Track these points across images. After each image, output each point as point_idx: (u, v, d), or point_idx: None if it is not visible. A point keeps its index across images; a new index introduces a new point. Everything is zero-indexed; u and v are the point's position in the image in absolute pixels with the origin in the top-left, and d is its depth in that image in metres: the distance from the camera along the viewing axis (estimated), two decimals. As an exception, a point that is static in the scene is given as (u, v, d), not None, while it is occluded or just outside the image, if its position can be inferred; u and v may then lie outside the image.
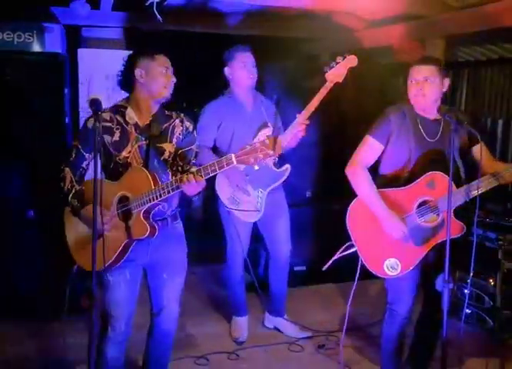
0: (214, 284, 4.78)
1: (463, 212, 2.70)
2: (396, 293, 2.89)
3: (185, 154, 2.64)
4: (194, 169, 2.39)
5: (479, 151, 2.73)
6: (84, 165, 2.58)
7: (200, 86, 7.19)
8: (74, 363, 3.30)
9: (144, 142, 2.56)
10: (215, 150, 3.60)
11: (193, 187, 2.36)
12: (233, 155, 2.27)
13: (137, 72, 2.52)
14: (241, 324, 3.83)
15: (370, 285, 4.41)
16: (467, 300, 2.77)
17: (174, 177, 2.43)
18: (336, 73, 3.27)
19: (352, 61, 3.29)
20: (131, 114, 2.57)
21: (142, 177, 2.42)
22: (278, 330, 3.89)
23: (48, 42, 4.46)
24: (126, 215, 2.48)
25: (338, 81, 3.29)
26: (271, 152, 2.25)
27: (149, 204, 2.41)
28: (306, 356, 3.59)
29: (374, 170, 2.94)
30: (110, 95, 4.75)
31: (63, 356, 3.42)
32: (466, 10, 4.05)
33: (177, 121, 2.66)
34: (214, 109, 3.55)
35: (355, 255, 2.94)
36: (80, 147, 2.55)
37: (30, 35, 4.34)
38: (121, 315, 2.60)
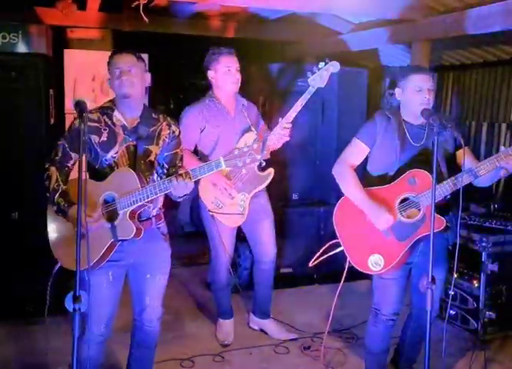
0: (199, 285, 4.77)
1: (444, 211, 2.74)
2: (381, 294, 2.91)
3: (171, 157, 2.66)
4: (182, 171, 2.42)
5: (462, 155, 2.77)
6: (69, 164, 2.57)
7: (187, 87, 7.22)
8: (55, 364, 3.29)
9: (132, 143, 2.57)
10: (197, 153, 3.56)
11: (181, 188, 2.38)
12: (221, 158, 2.31)
13: (108, 75, 2.61)
14: (227, 326, 3.83)
15: (356, 287, 4.44)
16: (449, 301, 2.78)
17: (162, 179, 2.45)
18: (318, 78, 3.31)
19: (334, 66, 3.32)
20: (118, 116, 2.58)
21: (130, 178, 2.43)
22: (264, 332, 3.89)
23: (34, 43, 4.44)
24: (111, 215, 2.47)
25: (320, 86, 3.33)
26: (259, 157, 2.30)
27: (136, 205, 2.42)
28: (291, 357, 3.59)
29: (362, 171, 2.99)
30: (97, 96, 4.77)
31: (44, 357, 3.39)
32: (450, 14, 4.10)
33: (164, 124, 2.67)
34: (197, 112, 3.51)
35: (341, 257, 2.98)
36: (66, 145, 2.55)
37: (15, 36, 4.32)
38: (100, 317, 2.58)
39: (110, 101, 2.65)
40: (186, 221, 6.31)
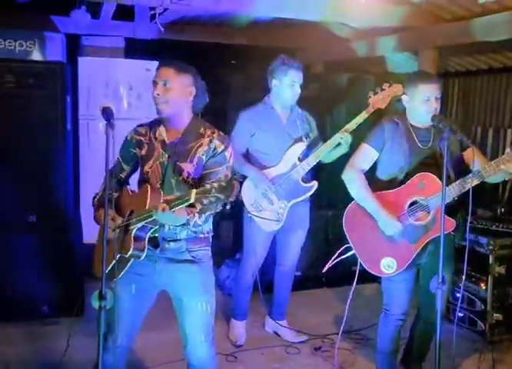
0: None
1: (452, 212, 2.81)
2: (391, 294, 2.99)
3: (208, 176, 2.41)
4: (170, 198, 2.27)
5: (470, 155, 2.85)
6: (122, 175, 2.61)
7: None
8: (71, 364, 3.37)
9: (165, 159, 2.46)
10: (249, 157, 3.64)
11: (164, 217, 2.22)
12: (193, 191, 2.08)
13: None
14: (240, 327, 3.90)
15: (366, 289, 4.52)
16: (459, 304, 2.85)
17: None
18: (379, 99, 3.35)
19: (397, 89, 3.29)
20: (160, 130, 2.53)
21: (144, 195, 2.37)
22: (277, 335, 3.97)
23: (49, 51, 4.57)
24: (126, 230, 2.43)
25: (380, 107, 3.36)
26: (222, 197, 2.09)
27: (140, 224, 2.34)
28: (302, 358, 3.67)
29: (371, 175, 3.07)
30: (110, 102, 4.87)
31: (61, 357, 3.48)
32: (457, 23, 4.19)
33: (207, 140, 2.46)
34: (250, 117, 3.59)
35: (350, 260, 3.05)
36: (120, 158, 2.60)
37: (31, 44, 4.44)
38: (121, 328, 2.50)
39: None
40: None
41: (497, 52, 4.97)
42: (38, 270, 3.91)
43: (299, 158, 3.59)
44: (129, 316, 2.52)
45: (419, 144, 2.91)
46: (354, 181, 2.96)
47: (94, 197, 2.61)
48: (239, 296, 3.91)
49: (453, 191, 2.75)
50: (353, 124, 3.42)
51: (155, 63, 5.32)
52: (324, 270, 3.18)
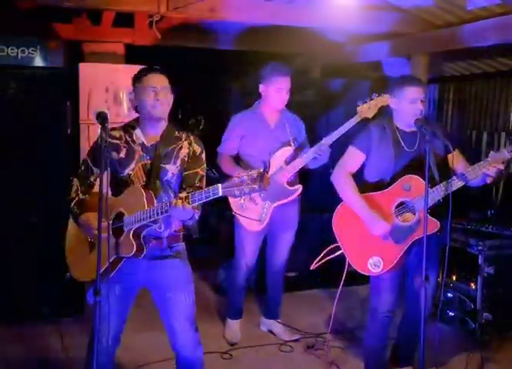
0: (207, 288, 4.94)
1: (439, 214, 2.89)
2: (378, 292, 3.08)
3: (189, 177, 2.60)
4: (183, 195, 2.34)
5: (452, 159, 2.94)
6: (92, 179, 2.63)
7: (195, 99, 7.42)
8: (70, 362, 3.46)
9: (148, 162, 2.56)
10: (239, 158, 3.77)
11: (178, 212, 2.32)
12: (219, 186, 2.23)
13: (132, 96, 2.61)
14: (235, 326, 4.00)
15: (358, 291, 4.60)
16: (441, 301, 2.94)
17: (164, 201, 2.44)
18: (366, 108, 3.43)
19: (385, 100, 3.37)
20: (138, 134, 2.61)
21: (138, 197, 2.43)
22: (272, 333, 4.06)
23: (51, 57, 4.65)
24: (118, 232, 2.50)
25: (367, 117, 3.44)
26: (257, 187, 2.19)
27: (139, 224, 2.43)
28: (296, 356, 3.76)
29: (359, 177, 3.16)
30: (110, 106, 4.97)
31: (60, 356, 3.59)
32: (447, 29, 4.29)
33: (186, 143, 2.63)
34: (240, 121, 3.74)
35: (343, 261, 3.14)
36: (89, 161, 2.63)
37: (33, 50, 4.52)
38: (106, 329, 2.53)
39: (135, 119, 2.67)
40: (194, 228, 6.52)
41: (489, 57, 5.07)
42: (38, 270, 4.01)
43: (285, 161, 3.69)
44: (114, 317, 2.55)
45: (405, 148, 3.00)
46: (342, 183, 3.06)
47: (69, 202, 2.60)
48: (233, 296, 4.01)
49: (437, 192, 2.84)
50: (337, 134, 3.50)
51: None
52: (311, 268, 3.29)
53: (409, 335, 3.25)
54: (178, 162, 2.60)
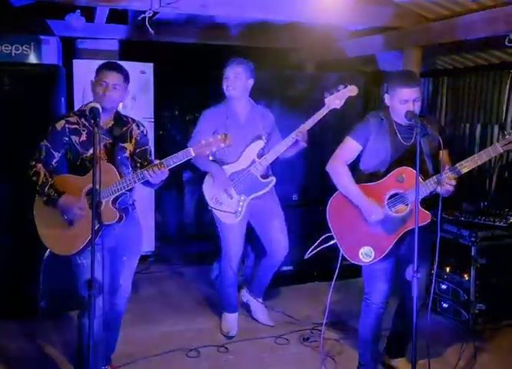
0: (203, 283, 4.99)
1: (431, 206, 2.92)
2: (371, 283, 3.12)
3: (143, 153, 3.05)
4: (157, 162, 2.78)
5: (442, 156, 3.00)
6: (53, 163, 2.89)
7: (191, 95, 7.44)
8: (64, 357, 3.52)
9: (109, 142, 2.92)
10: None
11: (158, 176, 2.76)
12: (191, 148, 2.75)
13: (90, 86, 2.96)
14: (231, 319, 4.03)
15: (354, 284, 4.63)
16: (432, 293, 2.94)
17: (139, 169, 2.82)
18: (334, 99, 3.50)
19: (352, 90, 3.49)
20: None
21: (110, 171, 2.79)
22: (247, 309, 4.19)
23: (45, 54, 4.68)
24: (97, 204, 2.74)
25: (336, 107, 3.53)
26: (222, 145, 2.76)
27: (117, 194, 2.80)
28: (291, 348, 3.80)
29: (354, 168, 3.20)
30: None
31: (56, 351, 3.63)
32: (440, 22, 4.31)
33: (134, 125, 3.06)
34: (210, 116, 3.79)
35: (338, 254, 3.17)
36: (50, 146, 2.87)
37: (27, 47, 4.56)
38: (101, 275, 2.71)
39: (87, 104, 2.89)
40: (191, 224, 6.56)
41: (481, 50, 5.08)
42: (35, 265, 4.03)
43: (258, 155, 3.75)
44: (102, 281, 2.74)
45: (401, 140, 3.03)
46: (338, 172, 3.10)
47: (42, 187, 2.82)
48: (226, 291, 4.03)
49: (430, 185, 2.87)
50: (308, 125, 3.58)
51: (150, 65, 5.48)
52: (306, 257, 3.34)
53: (403, 326, 3.28)
54: (133, 141, 3.03)
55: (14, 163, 3.97)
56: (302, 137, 3.59)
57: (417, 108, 2.93)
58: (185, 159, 2.76)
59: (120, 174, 2.83)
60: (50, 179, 2.84)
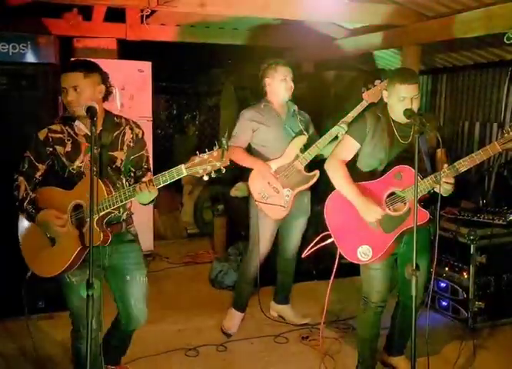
0: (203, 282, 4.98)
1: (428, 204, 2.92)
2: (369, 283, 3.11)
3: (137, 160, 2.75)
4: (146, 179, 2.50)
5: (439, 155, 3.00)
6: (37, 176, 2.65)
7: (189, 94, 7.44)
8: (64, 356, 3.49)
9: (96, 151, 2.51)
10: (252, 150, 3.86)
11: (145, 196, 2.48)
12: (182, 166, 2.35)
13: None
14: (236, 318, 4.01)
15: (353, 283, 4.62)
16: (429, 291, 2.94)
17: (127, 187, 2.56)
18: (371, 94, 3.58)
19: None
20: (79, 126, 2.63)
21: (98, 188, 2.42)
22: (282, 318, 4.17)
23: (42, 53, 4.65)
24: (80, 223, 2.55)
25: (373, 101, 3.57)
26: (218, 164, 2.32)
27: (103, 213, 2.50)
28: (290, 346, 3.80)
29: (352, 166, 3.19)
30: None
31: (55, 350, 3.61)
32: (438, 19, 4.30)
33: (127, 128, 2.73)
34: (251, 115, 3.82)
35: (336, 252, 3.16)
36: (32, 158, 2.64)
37: (24, 46, 4.53)
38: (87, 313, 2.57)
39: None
40: (190, 223, 6.56)
41: (480, 48, 5.08)
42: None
43: (301, 150, 3.78)
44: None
45: (399, 139, 3.01)
46: (336, 170, 3.08)
47: (21, 203, 2.62)
48: (242, 287, 4.03)
49: (428, 183, 2.86)
50: (349, 118, 3.63)
51: (148, 63, 5.47)
52: (303, 256, 3.37)
53: (402, 324, 3.28)
54: (125, 148, 2.71)
55: (13, 163, 3.99)
56: (343, 131, 3.61)
57: (415, 105, 2.91)
58: (177, 178, 2.40)
59: (109, 188, 2.52)
60: (30, 193, 2.62)
